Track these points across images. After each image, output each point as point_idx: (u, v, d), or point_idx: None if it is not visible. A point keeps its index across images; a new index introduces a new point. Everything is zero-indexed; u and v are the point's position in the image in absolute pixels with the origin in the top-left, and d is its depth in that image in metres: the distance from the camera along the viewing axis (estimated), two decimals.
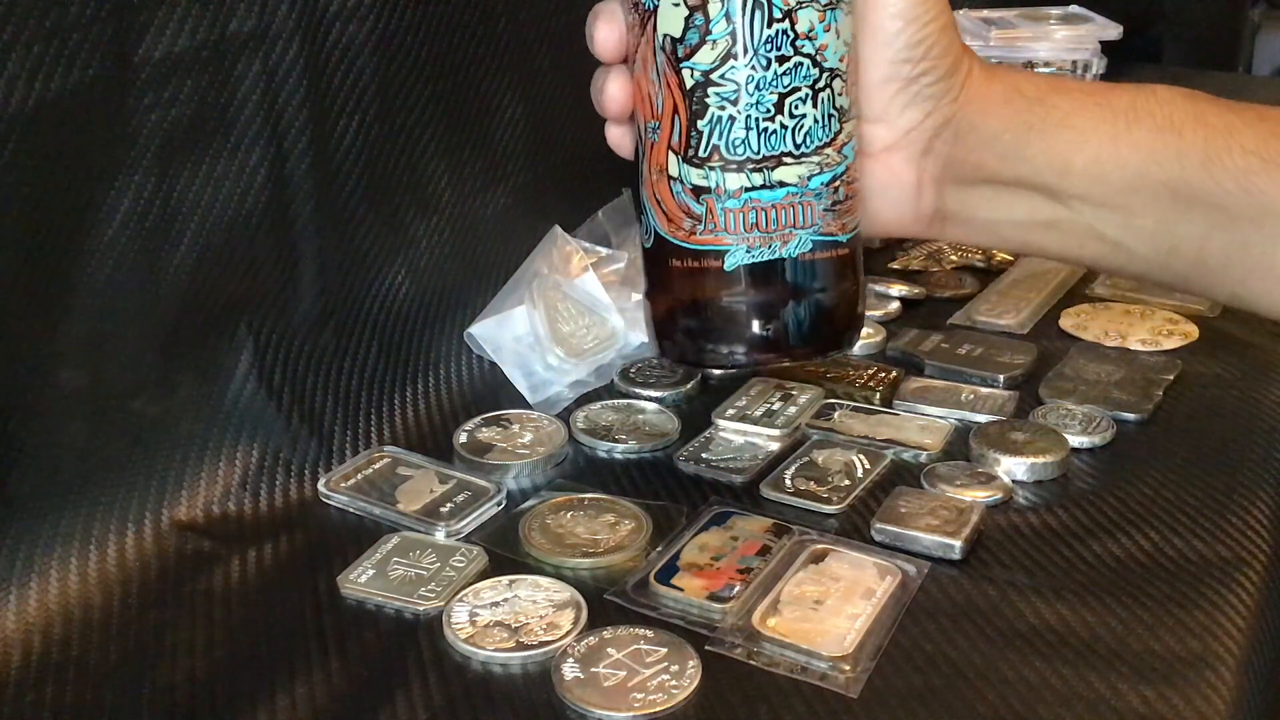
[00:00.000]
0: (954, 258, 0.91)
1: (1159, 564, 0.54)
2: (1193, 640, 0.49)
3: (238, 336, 0.61)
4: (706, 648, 0.49)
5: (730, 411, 0.67)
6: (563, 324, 0.75)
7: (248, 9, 0.58)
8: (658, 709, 0.45)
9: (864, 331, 0.75)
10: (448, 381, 0.71)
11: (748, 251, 0.55)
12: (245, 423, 0.61)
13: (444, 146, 0.72)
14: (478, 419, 0.66)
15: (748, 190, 0.54)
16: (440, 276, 0.73)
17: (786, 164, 0.54)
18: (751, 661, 0.48)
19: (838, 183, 0.55)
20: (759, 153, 0.54)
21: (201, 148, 0.58)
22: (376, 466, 0.62)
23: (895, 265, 0.89)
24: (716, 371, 0.73)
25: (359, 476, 0.61)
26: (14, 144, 0.49)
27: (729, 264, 0.55)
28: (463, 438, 0.65)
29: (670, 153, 0.55)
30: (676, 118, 0.55)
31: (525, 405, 0.69)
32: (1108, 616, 0.51)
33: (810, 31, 0.54)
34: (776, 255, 0.54)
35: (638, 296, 0.81)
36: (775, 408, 0.68)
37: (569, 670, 0.47)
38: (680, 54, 0.54)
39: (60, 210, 0.52)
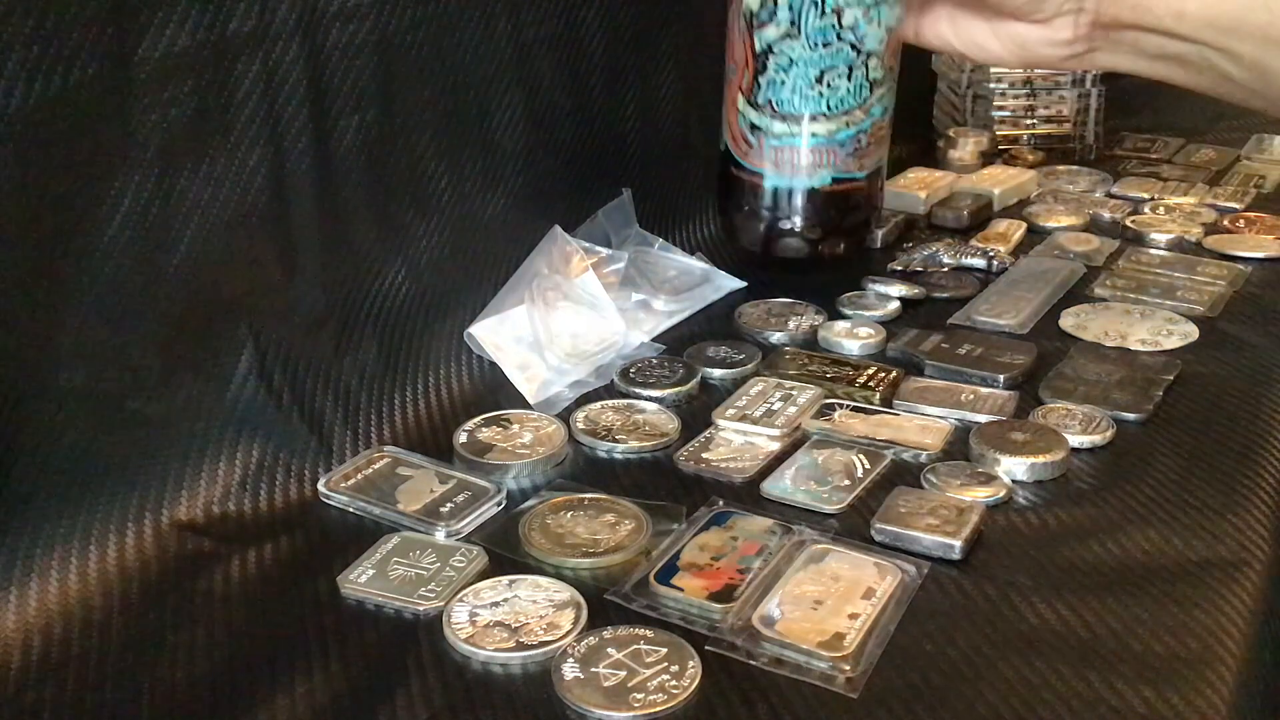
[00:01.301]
0: (953, 258, 0.91)
1: (1159, 564, 0.54)
2: (1193, 640, 0.49)
3: (238, 336, 0.61)
4: (706, 648, 0.49)
5: (730, 411, 0.67)
6: (563, 324, 0.75)
7: (248, 9, 0.58)
8: (658, 709, 0.45)
9: (864, 332, 0.77)
10: (448, 381, 0.71)
11: (780, 179, 0.75)
12: (245, 423, 0.61)
13: (444, 146, 0.72)
14: (478, 419, 0.66)
15: (788, 136, 0.73)
16: (440, 276, 0.73)
17: (819, 121, 0.73)
18: (751, 661, 0.48)
19: (861, 135, 0.74)
20: (799, 111, 0.72)
21: (201, 148, 0.58)
22: (376, 466, 0.62)
23: (895, 265, 0.89)
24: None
25: (359, 476, 0.61)
26: (14, 144, 0.49)
27: (767, 185, 0.76)
28: (463, 438, 0.65)
29: (740, 92, 0.74)
30: (747, 69, 0.73)
31: (525, 405, 0.69)
32: (1108, 616, 0.51)
33: (853, 25, 0.71)
34: (803, 185, 0.75)
35: (638, 296, 0.81)
36: (775, 408, 0.68)
37: (569, 670, 0.47)
38: (755, 24, 0.72)
39: (60, 210, 0.52)
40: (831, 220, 0.77)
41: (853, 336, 0.77)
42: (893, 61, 0.73)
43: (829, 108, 0.72)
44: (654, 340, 0.78)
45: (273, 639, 0.50)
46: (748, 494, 0.60)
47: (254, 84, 0.60)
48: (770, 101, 0.72)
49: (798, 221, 0.77)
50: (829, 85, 0.71)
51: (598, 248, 0.81)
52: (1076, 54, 0.67)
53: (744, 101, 0.73)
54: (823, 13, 0.69)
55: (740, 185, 0.76)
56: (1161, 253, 0.94)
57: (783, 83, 0.71)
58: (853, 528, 0.57)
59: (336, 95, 0.65)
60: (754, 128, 0.73)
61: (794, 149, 0.73)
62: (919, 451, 0.64)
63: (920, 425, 0.66)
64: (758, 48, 0.72)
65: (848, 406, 0.68)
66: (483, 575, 0.53)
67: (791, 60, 0.71)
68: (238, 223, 0.60)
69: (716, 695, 0.46)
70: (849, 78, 0.71)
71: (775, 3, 0.70)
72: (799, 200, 0.76)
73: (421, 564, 0.54)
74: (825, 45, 0.70)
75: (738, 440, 0.65)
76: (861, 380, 0.71)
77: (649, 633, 0.49)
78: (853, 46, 0.71)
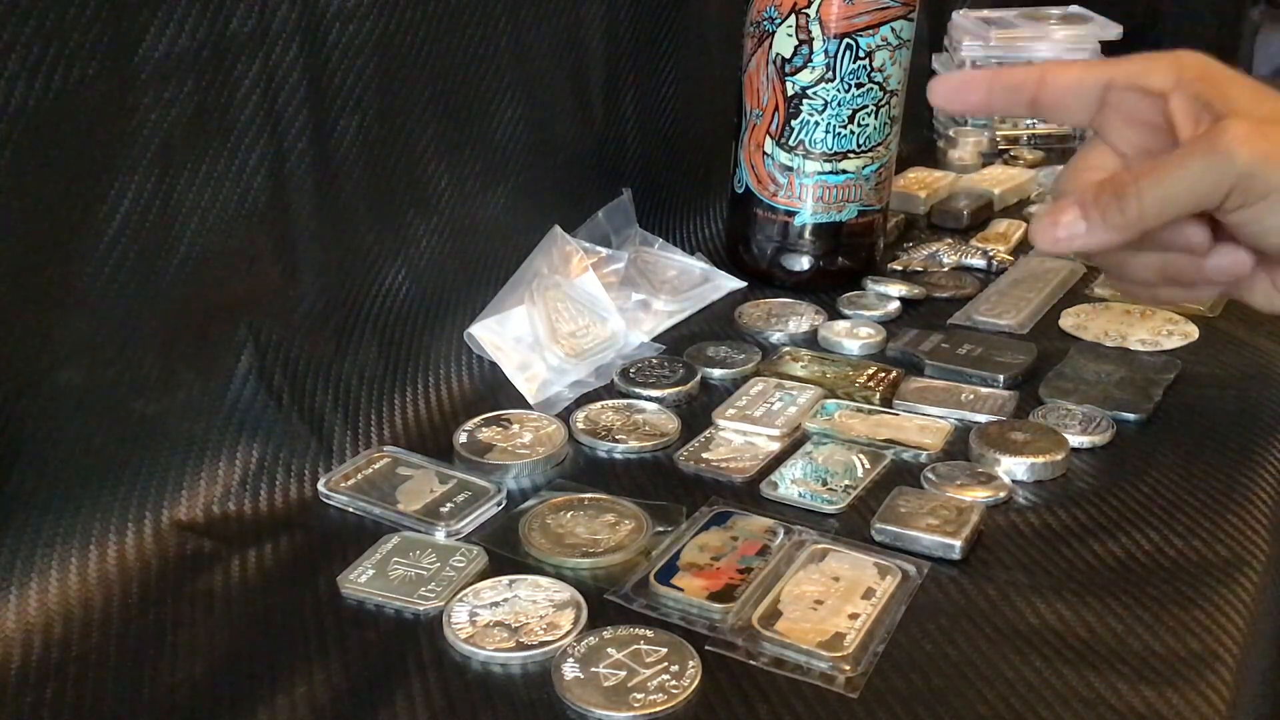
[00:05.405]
0: (953, 258, 0.91)
1: (1159, 564, 0.54)
2: (1193, 640, 0.49)
3: (238, 336, 0.61)
4: (706, 648, 0.49)
5: (730, 411, 0.67)
6: (563, 324, 0.75)
7: (248, 9, 0.58)
8: (658, 709, 0.45)
9: (864, 332, 0.77)
10: (448, 381, 0.71)
11: (813, 214, 0.80)
12: (245, 423, 0.61)
13: (444, 146, 0.72)
14: (478, 419, 0.66)
15: (820, 173, 0.78)
16: (440, 276, 0.73)
17: (850, 158, 0.78)
18: (751, 661, 0.48)
19: (883, 169, 0.80)
20: (832, 149, 0.77)
21: (201, 148, 0.58)
22: (376, 466, 0.62)
23: (895, 265, 0.89)
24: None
25: (359, 476, 0.61)
26: (14, 144, 0.49)
27: (798, 220, 0.80)
28: (463, 438, 0.65)
29: (767, 135, 0.78)
30: (776, 113, 0.77)
31: (525, 405, 0.69)
32: (1108, 616, 0.51)
33: (882, 66, 0.76)
34: (832, 219, 0.80)
35: (638, 296, 0.81)
36: (775, 408, 0.68)
37: (569, 670, 0.47)
38: (787, 70, 0.76)
39: (60, 210, 0.52)
40: (853, 248, 0.83)
41: (853, 336, 0.77)
42: (903, 97, 0.79)
43: (859, 144, 0.77)
44: (654, 340, 0.78)
45: (273, 639, 0.50)
46: (748, 494, 0.60)
47: (254, 84, 0.60)
48: (804, 142, 0.77)
49: (821, 252, 0.82)
50: (859, 124, 0.76)
51: (598, 248, 0.81)
52: None
53: (772, 144, 0.78)
54: (856, 56, 0.74)
55: (766, 224, 0.81)
56: None
57: (816, 124, 0.76)
58: (853, 528, 0.57)
59: (336, 95, 0.65)
60: (785, 168, 0.78)
61: (824, 185, 0.78)
62: (919, 451, 0.64)
63: (920, 425, 0.66)
64: (789, 91, 0.76)
65: (848, 406, 0.68)
66: (483, 575, 0.53)
67: (825, 102, 0.75)
68: (237, 222, 0.60)
69: (716, 695, 0.46)
70: (876, 115, 0.77)
71: (811, 48, 0.74)
72: (826, 234, 0.81)
73: (421, 564, 0.54)
74: (858, 86, 0.75)
75: (738, 440, 0.65)
76: (861, 380, 0.71)
77: (649, 633, 0.49)
78: (880, 86, 0.76)
